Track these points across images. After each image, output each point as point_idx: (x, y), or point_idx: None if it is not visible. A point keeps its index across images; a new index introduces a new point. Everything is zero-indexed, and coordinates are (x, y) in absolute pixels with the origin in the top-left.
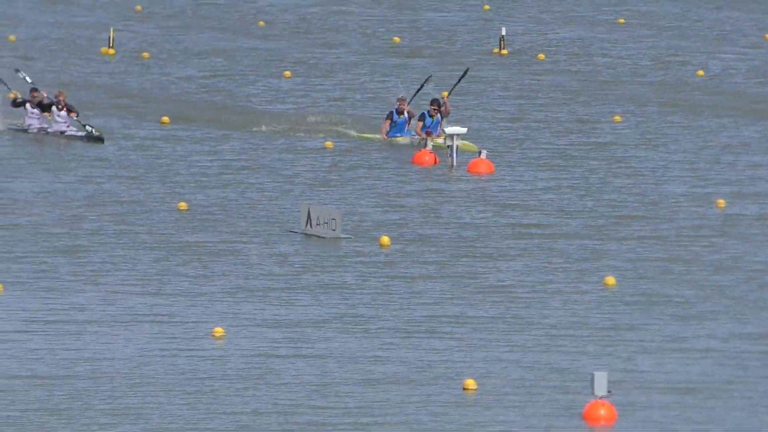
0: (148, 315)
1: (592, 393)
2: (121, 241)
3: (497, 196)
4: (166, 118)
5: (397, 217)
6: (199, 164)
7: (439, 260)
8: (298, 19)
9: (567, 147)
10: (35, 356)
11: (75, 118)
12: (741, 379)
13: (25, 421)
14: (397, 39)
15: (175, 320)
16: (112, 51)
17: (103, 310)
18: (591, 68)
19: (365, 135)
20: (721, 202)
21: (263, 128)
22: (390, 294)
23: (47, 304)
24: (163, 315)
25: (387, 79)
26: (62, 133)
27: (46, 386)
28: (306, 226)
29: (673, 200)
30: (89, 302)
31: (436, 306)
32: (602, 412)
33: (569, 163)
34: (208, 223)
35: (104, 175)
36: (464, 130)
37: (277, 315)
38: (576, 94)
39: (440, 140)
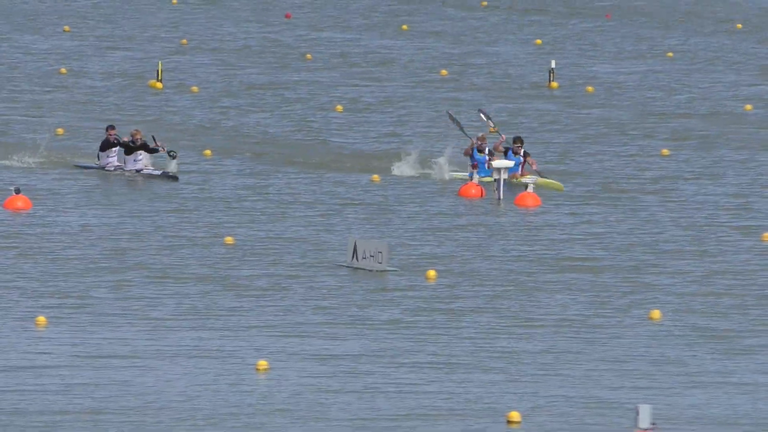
0: (193, 349)
1: (636, 426)
2: (168, 275)
3: (544, 230)
4: (208, 152)
5: (444, 251)
6: (248, 198)
7: (486, 294)
8: (345, 53)
9: (615, 180)
10: (82, 391)
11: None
12: None
13: None
14: (444, 72)
15: (221, 354)
16: (159, 85)
17: (149, 345)
18: (640, 101)
19: (457, 175)
20: (767, 235)
21: (310, 161)
22: (436, 327)
23: (92, 337)
24: (209, 349)
25: (435, 112)
26: (138, 171)
27: (93, 420)
28: (353, 259)
29: (722, 234)
30: (134, 336)
31: (481, 340)
32: None
33: (617, 196)
34: (254, 257)
35: (153, 208)
36: (512, 163)
37: (324, 349)
38: (625, 127)
39: (526, 179)
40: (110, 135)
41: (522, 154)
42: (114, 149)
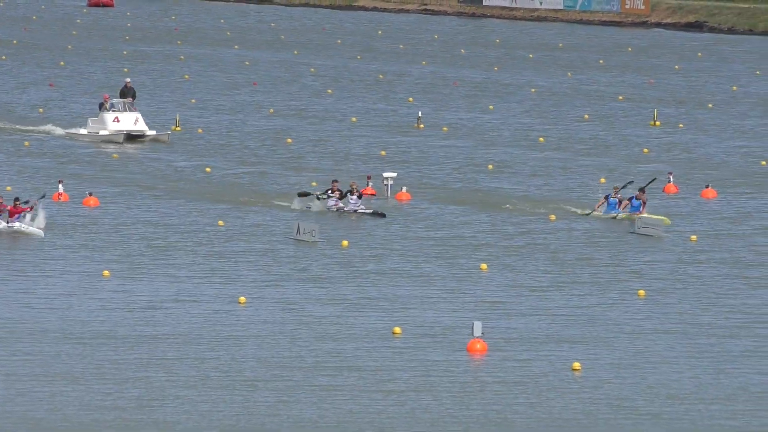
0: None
1: (472, 334)
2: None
3: (414, 215)
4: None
5: (350, 229)
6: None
7: (379, 256)
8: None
9: (459, 187)
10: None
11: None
12: (568, 332)
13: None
14: (354, 118)
15: (204, 298)
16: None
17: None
18: (475, 133)
19: (582, 211)
20: (553, 216)
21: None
22: (345, 275)
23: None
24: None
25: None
26: (355, 211)
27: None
28: (296, 234)
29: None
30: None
31: (376, 286)
32: (478, 346)
33: (462, 196)
34: (235, 234)
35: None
36: (395, 174)
37: (281, 292)
38: (469, 156)
39: (642, 216)
40: (334, 185)
41: (643, 199)
42: (334, 196)
